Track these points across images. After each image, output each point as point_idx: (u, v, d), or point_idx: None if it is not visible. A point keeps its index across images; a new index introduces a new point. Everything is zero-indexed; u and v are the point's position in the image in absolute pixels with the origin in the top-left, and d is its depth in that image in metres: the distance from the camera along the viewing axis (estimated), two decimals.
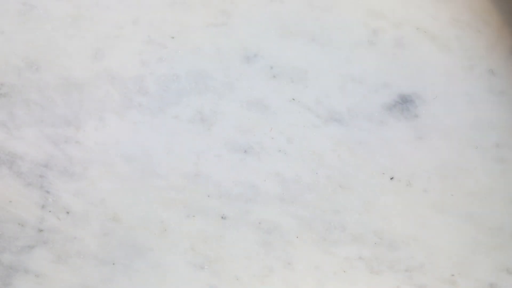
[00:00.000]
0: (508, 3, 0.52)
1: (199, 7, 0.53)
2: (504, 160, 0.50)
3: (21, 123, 0.52)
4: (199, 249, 0.51)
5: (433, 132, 0.51)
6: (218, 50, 0.53)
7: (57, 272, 0.51)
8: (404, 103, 0.51)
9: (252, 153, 0.52)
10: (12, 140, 0.52)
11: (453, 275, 0.51)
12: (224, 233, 0.51)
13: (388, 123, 0.52)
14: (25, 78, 0.53)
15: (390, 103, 0.52)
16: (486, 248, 0.50)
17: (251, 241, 0.51)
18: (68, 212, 0.52)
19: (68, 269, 0.51)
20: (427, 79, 0.52)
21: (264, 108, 0.52)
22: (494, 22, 0.52)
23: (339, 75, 0.52)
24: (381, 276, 0.51)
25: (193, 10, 0.53)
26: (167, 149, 0.52)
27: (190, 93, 0.52)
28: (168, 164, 0.52)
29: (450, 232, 0.50)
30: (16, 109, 0.52)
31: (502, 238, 0.50)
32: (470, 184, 0.50)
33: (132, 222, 0.51)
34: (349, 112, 0.52)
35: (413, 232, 0.51)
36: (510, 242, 0.50)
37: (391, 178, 0.51)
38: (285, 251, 0.51)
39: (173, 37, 0.53)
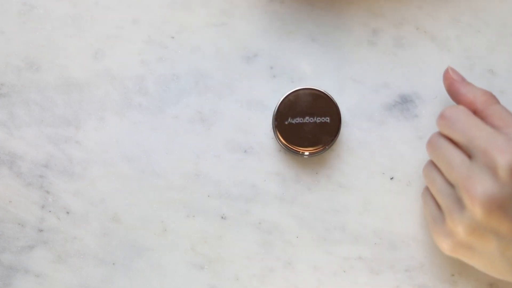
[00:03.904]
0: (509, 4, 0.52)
1: (199, 7, 0.53)
2: None
3: (21, 123, 0.52)
4: (199, 249, 0.51)
5: (433, 132, 0.51)
6: (218, 50, 0.53)
7: (57, 272, 0.51)
8: (404, 103, 0.51)
9: (252, 153, 0.52)
10: (12, 140, 0.52)
11: (453, 275, 0.51)
12: (224, 233, 0.51)
13: (388, 123, 0.52)
14: (25, 78, 0.53)
15: (390, 103, 0.52)
16: None
17: (251, 241, 0.51)
18: (68, 212, 0.52)
19: (68, 269, 0.51)
20: (427, 79, 0.52)
21: (264, 108, 0.52)
22: (494, 22, 0.52)
23: (339, 75, 0.52)
24: (381, 276, 0.51)
25: (193, 10, 0.53)
26: (167, 149, 0.52)
27: (190, 93, 0.52)
28: (168, 164, 0.52)
29: None
30: (16, 109, 0.52)
31: None
32: None
33: (132, 222, 0.52)
34: (349, 112, 0.52)
35: (413, 232, 0.51)
36: None
37: (391, 178, 0.51)
38: (285, 251, 0.51)
39: (173, 37, 0.53)
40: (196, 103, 0.52)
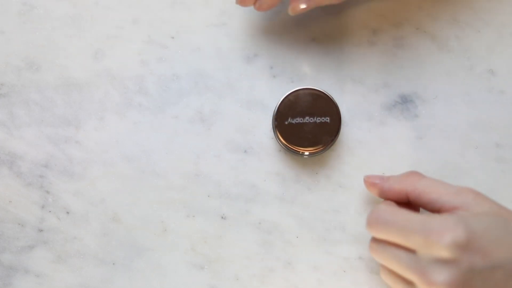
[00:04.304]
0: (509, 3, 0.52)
1: (199, 7, 0.53)
2: (504, 160, 0.50)
3: (21, 123, 0.52)
4: (199, 249, 0.51)
5: (433, 132, 0.51)
6: (218, 50, 0.53)
7: (57, 272, 0.51)
8: (404, 103, 0.52)
9: (252, 153, 0.52)
10: (12, 140, 0.52)
11: None
12: (224, 233, 0.51)
13: (388, 123, 0.52)
14: (25, 78, 0.53)
15: (390, 103, 0.52)
16: None
17: (251, 241, 0.51)
18: (68, 212, 0.52)
19: (68, 269, 0.51)
20: (427, 79, 0.52)
21: (264, 108, 0.52)
22: (494, 22, 0.52)
23: (339, 75, 0.52)
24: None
25: (193, 10, 0.53)
26: (167, 149, 0.52)
27: (190, 93, 0.52)
28: (168, 164, 0.52)
29: None
30: (16, 109, 0.52)
31: None
32: (470, 184, 0.50)
33: (132, 222, 0.52)
34: (349, 112, 0.52)
35: None
36: None
37: None
38: (285, 251, 0.51)
39: (173, 37, 0.53)
40: (196, 103, 0.52)
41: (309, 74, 0.52)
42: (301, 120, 0.49)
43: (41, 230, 0.52)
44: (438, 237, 0.39)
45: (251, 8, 0.53)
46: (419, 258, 0.40)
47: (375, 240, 0.44)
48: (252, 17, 0.53)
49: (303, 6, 0.48)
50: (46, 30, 0.53)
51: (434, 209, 0.43)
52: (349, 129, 0.51)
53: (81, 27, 0.53)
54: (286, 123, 0.49)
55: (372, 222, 0.43)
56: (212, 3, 0.53)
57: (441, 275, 0.38)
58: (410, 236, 0.40)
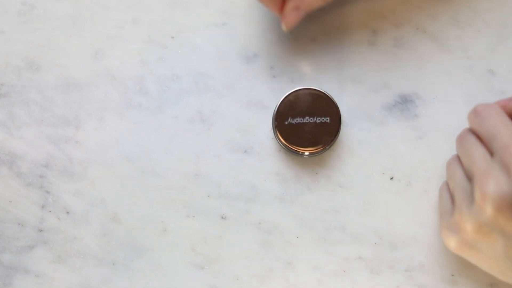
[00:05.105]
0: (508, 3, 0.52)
1: (199, 7, 0.53)
2: None
3: (21, 123, 0.52)
4: (199, 249, 0.51)
5: (433, 132, 0.51)
6: (218, 50, 0.53)
7: (57, 272, 0.51)
8: (404, 103, 0.52)
9: (252, 153, 0.52)
10: (12, 140, 0.52)
11: (453, 275, 0.51)
12: (224, 233, 0.51)
13: (388, 123, 0.52)
14: (25, 78, 0.53)
15: (390, 103, 0.52)
16: None
17: (251, 241, 0.51)
18: (68, 212, 0.52)
19: (68, 269, 0.51)
20: (427, 79, 0.52)
21: (264, 108, 0.52)
22: (494, 22, 0.52)
23: (339, 75, 0.52)
24: (381, 276, 0.51)
25: (193, 10, 0.53)
26: (167, 149, 0.52)
27: (190, 93, 0.52)
28: (168, 164, 0.52)
29: None
30: (16, 109, 0.52)
31: None
32: None
33: (132, 222, 0.52)
34: (349, 112, 0.52)
35: (413, 232, 0.51)
36: None
37: (391, 178, 0.51)
38: (285, 251, 0.51)
39: (173, 37, 0.53)
40: (196, 103, 0.52)
41: (309, 74, 0.52)
42: (301, 120, 0.49)
43: (41, 230, 0.52)
44: None
45: (251, 8, 0.53)
46: (494, 160, 0.40)
47: (468, 130, 0.45)
48: (252, 17, 0.53)
49: (294, 17, 0.48)
50: (46, 30, 0.53)
51: None
52: (349, 129, 0.51)
53: (81, 27, 0.53)
54: (286, 123, 0.49)
55: (479, 109, 0.44)
56: (212, 3, 0.53)
57: (497, 185, 0.39)
58: (497, 138, 0.41)
